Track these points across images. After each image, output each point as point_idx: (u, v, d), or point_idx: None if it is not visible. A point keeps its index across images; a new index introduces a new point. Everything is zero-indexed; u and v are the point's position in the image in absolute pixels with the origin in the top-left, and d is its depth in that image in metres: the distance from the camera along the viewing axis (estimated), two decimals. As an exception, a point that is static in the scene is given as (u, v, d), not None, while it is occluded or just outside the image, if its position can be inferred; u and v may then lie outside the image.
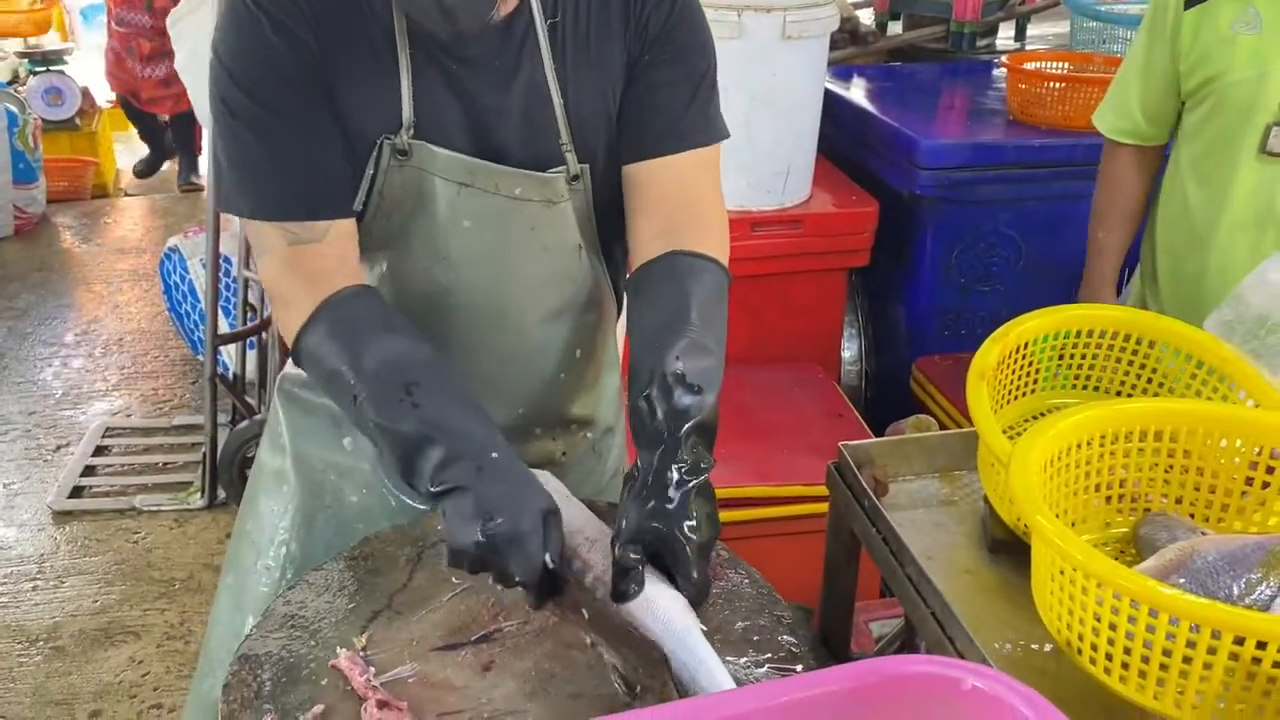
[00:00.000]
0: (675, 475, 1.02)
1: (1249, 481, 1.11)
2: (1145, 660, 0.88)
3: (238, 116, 1.15)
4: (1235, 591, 0.93)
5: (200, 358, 3.48)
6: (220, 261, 3.11)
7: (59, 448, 3.55)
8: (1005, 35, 4.17)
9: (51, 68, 6.00)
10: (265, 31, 1.13)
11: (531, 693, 1.04)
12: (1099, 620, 0.90)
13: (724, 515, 2.24)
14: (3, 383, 3.96)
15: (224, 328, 3.18)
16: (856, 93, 3.30)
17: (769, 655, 1.09)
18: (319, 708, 1.01)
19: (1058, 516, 1.06)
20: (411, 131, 1.18)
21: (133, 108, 5.71)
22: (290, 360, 1.24)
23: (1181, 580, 0.94)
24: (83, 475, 3.36)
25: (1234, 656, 0.84)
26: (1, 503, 3.26)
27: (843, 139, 3.11)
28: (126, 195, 5.95)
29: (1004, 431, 1.20)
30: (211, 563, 2.95)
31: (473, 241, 1.23)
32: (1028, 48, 4.07)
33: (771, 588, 1.20)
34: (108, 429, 3.63)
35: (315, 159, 1.17)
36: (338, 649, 1.08)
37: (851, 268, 2.88)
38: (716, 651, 0.98)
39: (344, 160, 1.19)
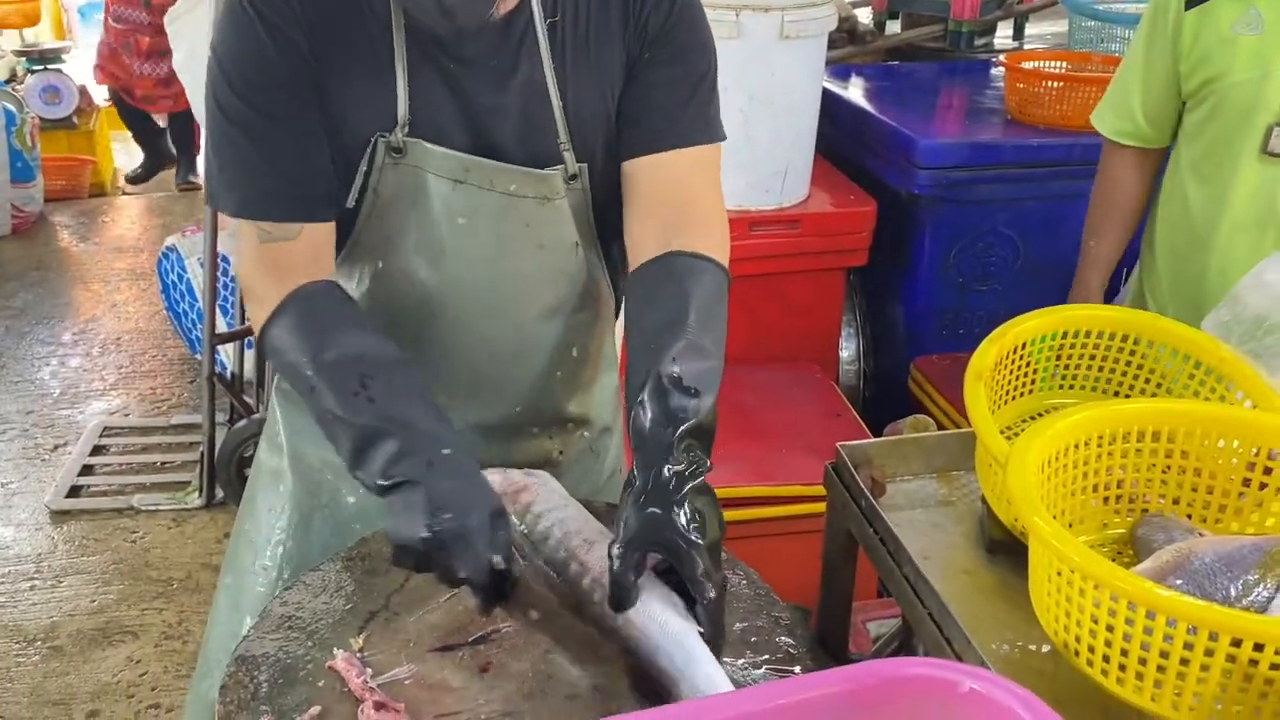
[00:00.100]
0: (673, 479, 1.00)
1: (1246, 482, 1.11)
2: (1143, 662, 0.88)
3: (229, 117, 1.17)
4: (1232, 593, 0.93)
5: (198, 357, 3.48)
6: (218, 261, 3.10)
7: (56, 447, 3.55)
8: (1003, 34, 4.17)
9: (49, 66, 5.99)
10: (259, 33, 1.14)
11: (529, 694, 1.04)
12: (1096, 622, 0.90)
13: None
14: (0, 382, 3.96)
15: (222, 327, 3.17)
16: (855, 92, 3.30)
17: (766, 656, 1.09)
18: (316, 709, 1.01)
19: (1055, 517, 1.06)
20: (406, 129, 1.19)
21: (126, 105, 5.68)
22: None
23: (1179, 582, 0.94)
24: (80, 475, 3.36)
25: (1231, 658, 0.84)
26: (-1, 502, 3.27)
27: (841, 138, 3.11)
28: (124, 194, 5.95)
29: (1001, 432, 1.19)
30: (209, 562, 2.95)
31: (468, 238, 1.23)
32: (1026, 47, 4.07)
33: (769, 589, 1.20)
34: (105, 428, 3.63)
35: (301, 163, 1.18)
36: (335, 650, 1.07)
37: (850, 267, 2.88)
38: (716, 656, 0.98)
39: (330, 165, 1.20)
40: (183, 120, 5.65)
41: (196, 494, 3.22)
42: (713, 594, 0.99)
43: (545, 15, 1.20)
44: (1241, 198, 1.80)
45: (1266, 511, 1.10)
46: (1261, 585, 0.93)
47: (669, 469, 1.01)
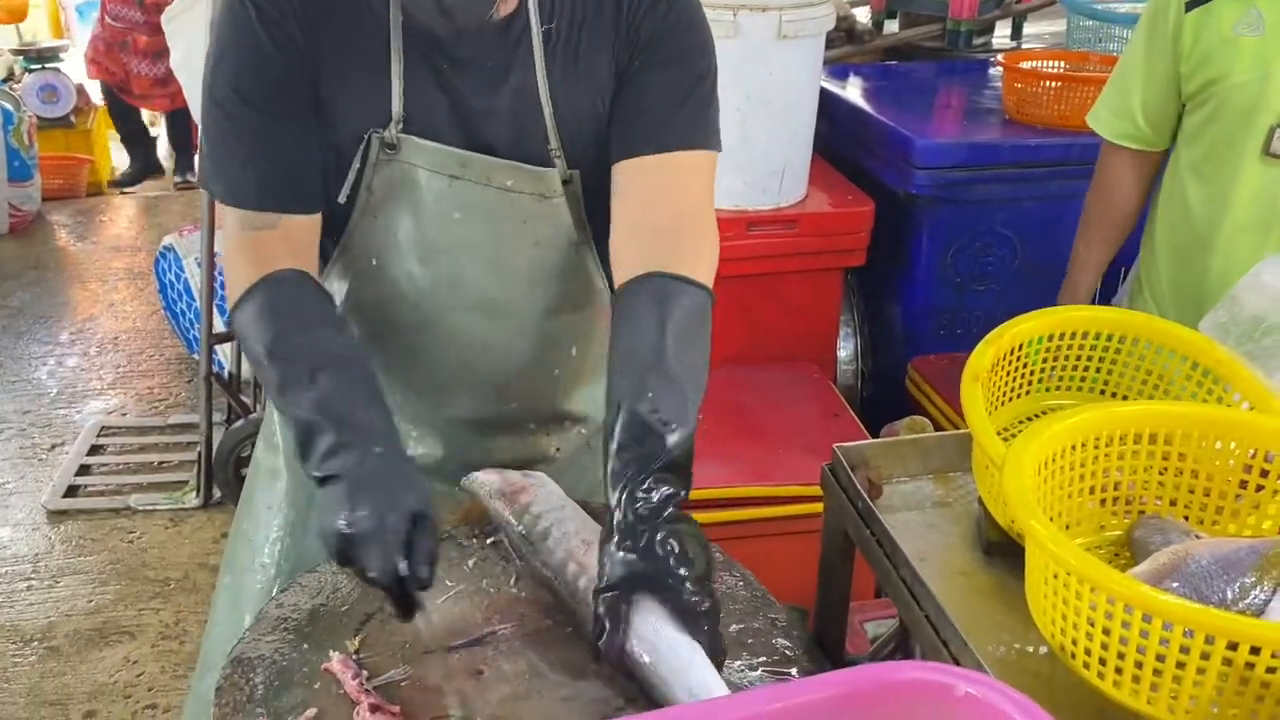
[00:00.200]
0: (649, 516, 0.99)
1: (1243, 484, 1.10)
2: (1139, 665, 0.88)
3: (221, 105, 1.18)
4: (1229, 595, 0.92)
5: (196, 356, 3.48)
6: (215, 260, 3.10)
7: (54, 447, 3.55)
8: (1001, 34, 4.17)
9: (47, 65, 5.99)
10: (256, 28, 1.15)
11: (524, 696, 1.04)
12: (1093, 625, 0.90)
13: (720, 515, 2.26)
14: (-3, 381, 3.97)
15: (219, 327, 3.17)
16: (852, 92, 3.29)
17: (763, 659, 1.09)
18: (311, 711, 1.01)
19: (1052, 519, 1.06)
20: (400, 126, 1.19)
21: (119, 102, 5.65)
22: None
23: (1175, 584, 0.94)
24: (77, 474, 3.36)
25: (1227, 662, 0.84)
26: (-4, 502, 3.26)
27: (839, 138, 3.10)
28: (122, 193, 5.94)
29: (998, 433, 1.19)
30: (207, 562, 2.95)
31: (464, 234, 1.23)
32: (1024, 46, 4.07)
33: (766, 590, 1.20)
34: (103, 428, 3.62)
35: (288, 156, 1.19)
36: (330, 652, 1.07)
37: (847, 267, 2.87)
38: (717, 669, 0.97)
39: (319, 161, 1.21)
40: (180, 119, 5.64)
41: (194, 494, 3.22)
42: (705, 627, 0.98)
43: (541, 21, 1.19)
44: (1243, 199, 1.80)
45: (1263, 514, 1.10)
46: (1258, 588, 0.93)
47: (644, 507, 0.99)
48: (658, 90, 1.22)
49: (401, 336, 1.30)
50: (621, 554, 0.98)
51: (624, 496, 1.00)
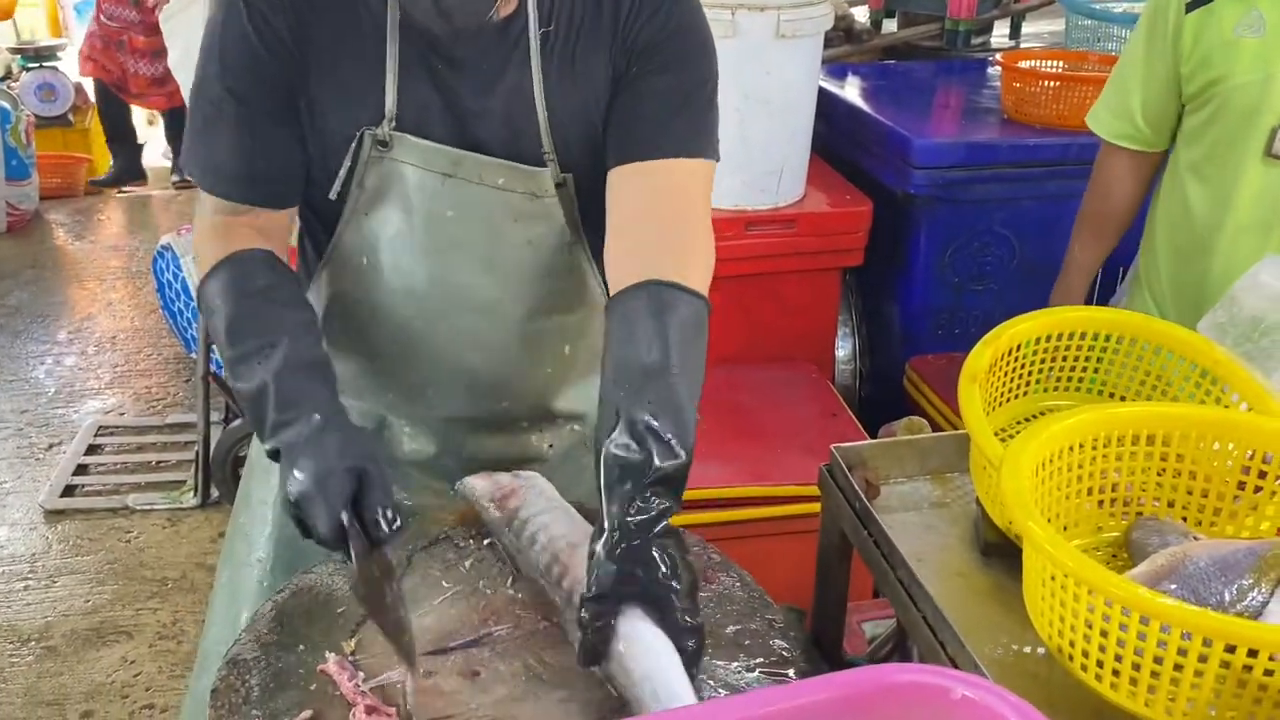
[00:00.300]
0: (644, 527, 0.98)
1: (1241, 485, 1.10)
2: (1137, 667, 0.88)
3: (206, 93, 1.20)
4: (1227, 597, 0.92)
5: (193, 356, 3.47)
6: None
7: (51, 446, 3.54)
8: (1000, 33, 4.17)
9: (44, 64, 5.98)
10: (244, 21, 1.17)
11: (521, 697, 1.03)
12: (1090, 627, 0.90)
13: (717, 515, 2.26)
14: (-5, 381, 3.96)
15: (217, 326, 3.16)
16: (851, 91, 3.29)
17: (760, 660, 1.09)
18: (307, 713, 1.00)
19: (1049, 520, 1.06)
20: (393, 124, 1.19)
21: (112, 100, 5.63)
22: None
23: (1173, 586, 0.94)
24: (75, 474, 3.35)
25: (1225, 664, 0.84)
26: (-7, 502, 3.26)
27: (837, 138, 3.10)
28: (120, 192, 5.93)
29: (996, 434, 1.19)
30: (204, 562, 2.95)
31: (456, 232, 1.23)
32: (1022, 45, 4.07)
33: (763, 591, 1.20)
34: (100, 427, 3.62)
35: (266, 150, 1.21)
36: (326, 654, 1.07)
37: (845, 267, 2.87)
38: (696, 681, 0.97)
39: (298, 158, 1.22)
40: (178, 117, 5.63)
41: (191, 493, 3.21)
42: (692, 643, 0.97)
43: (540, 24, 1.19)
44: (1245, 200, 1.80)
45: (1261, 515, 1.10)
46: (1256, 589, 0.93)
47: (638, 518, 0.98)
48: (655, 97, 1.21)
49: (394, 334, 1.30)
50: (612, 563, 0.97)
51: (616, 506, 0.99)
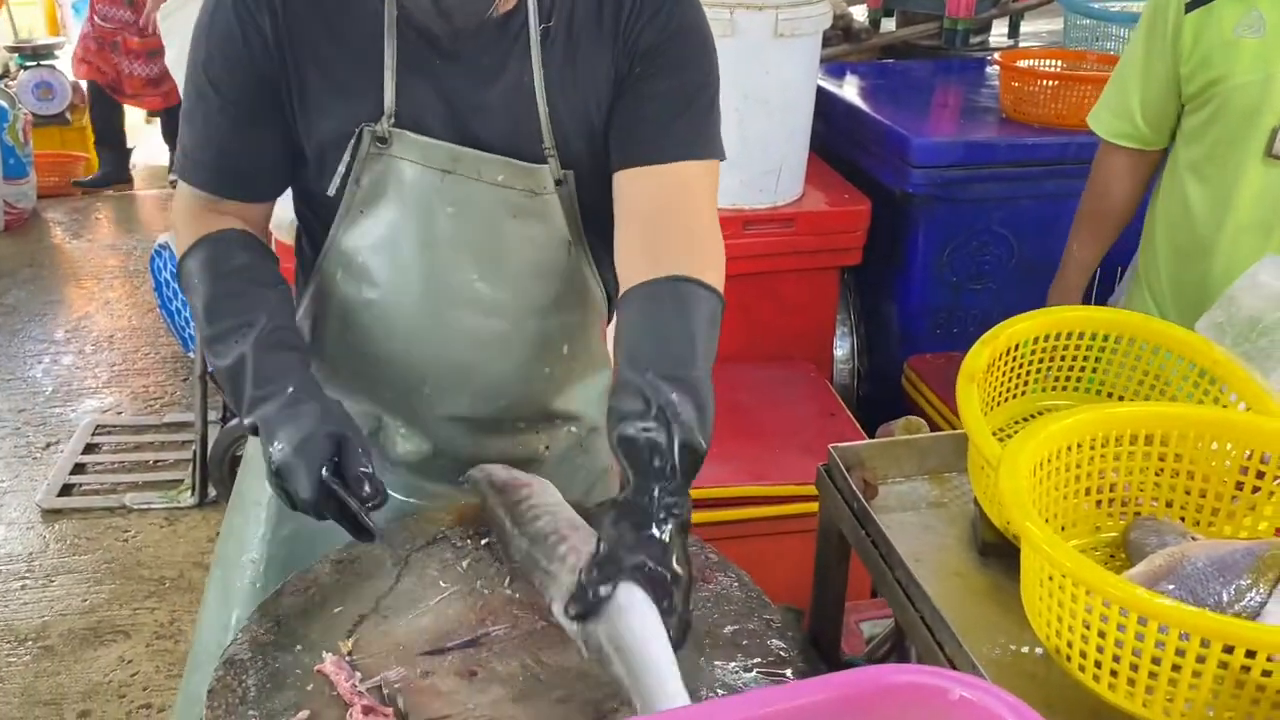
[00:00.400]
0: (669, 505, 0.98)
1: (1239, 485, 1.10)
2: (1134, 668, 0.88)
3: (192, 85, 1.22)
4: (1225, 598, 0.92)
5: (191, 355, 3.47)
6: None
7: (49, 445, 3.54)
8: (999, 32, 4.17)
9: (42, 62, 5.97)
10: (229, 16, 1.18)
11: (518, 697, 1.03)
12: (1088, 627, 0.90)
13: (715, 515, 2.26)
14: (-8, 380, 3.96)
15: (214, 325, 3.16)
16: (849, 90, 3.29)
17: (758, 660, 1.09)
18: (304, 713, 1.00)
19: (1047, 520, 1.06)
20: (392, 120, 1.19)
21: (105, 102, 5.60)
22: None
23: (1171, 587, 0.94)
24: (72, 473, 3.35)
25: (1223, 665, 0.84)
26: (-10, 501, 3.25)
27: (835, 137, 3.10)
28: (115, 192, 5.92)
29: (994, 433, 1.19)
30: (202, 561, 2.94)
31: (455, 229, 1.23)
32: (1021, 45, 4.07)
33: (761, 591, 1.20)
34: (98, 426, 3.61)
35: (245, 147, 1.23)
36: (324, 653, 1.07)
37: (844, 266, 2.87)
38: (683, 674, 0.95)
39: (278, 157, 1.24)
40: (174, 116, 5.62)
41: (189, 493, 3.21)
42: (681, 636, 0.97)
43: (540, 20, 1.19)
44: (1245, 200, 1.79)
45: (1259, 515, 1.10)
46: (1254, 590, 0.93)
47: (663, 498, 0.98)
48: (657, 100, 1.21)
49: (392, 331, 1.29)
50: (625, 532, 0.97)
51: (636, 484, 0.99)
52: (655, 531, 0.97)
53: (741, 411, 2.49)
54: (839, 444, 1.32)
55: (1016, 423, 1.32)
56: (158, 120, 6.01)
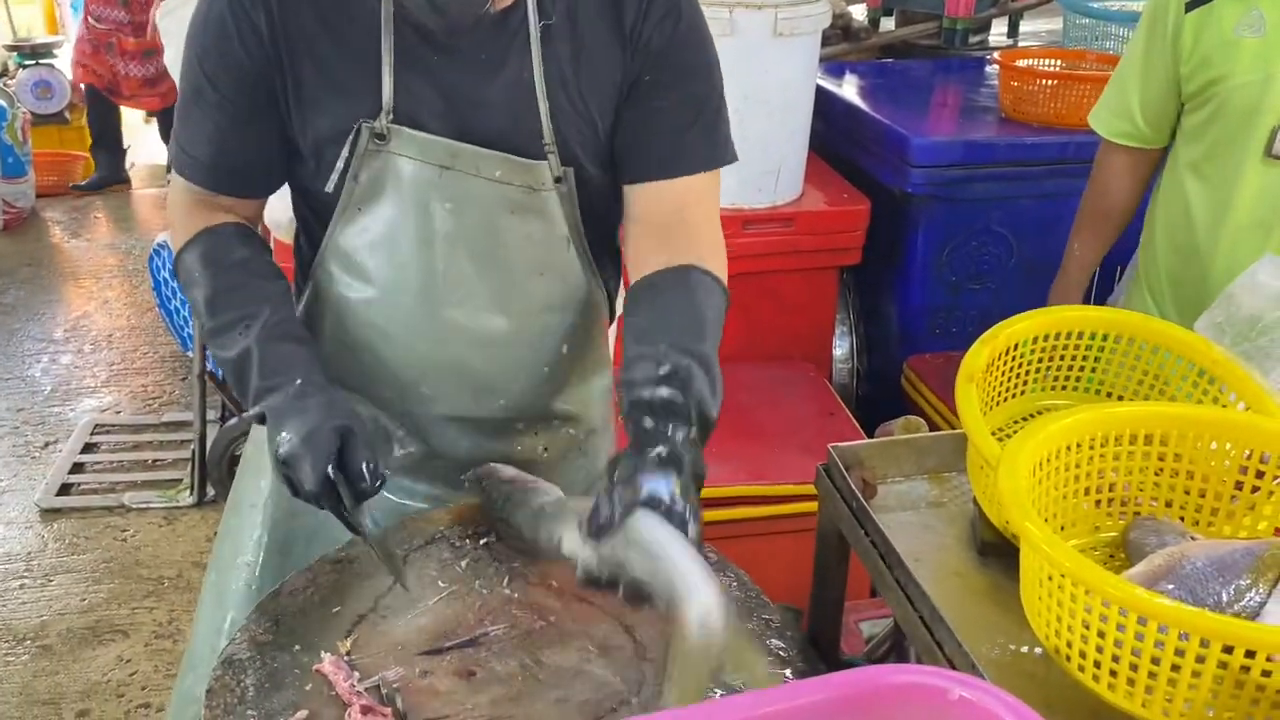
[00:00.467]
0: (680, 456, 1.00)
1: (1239, 485, 1.10)
2: (1134, 668, 0.88)
3: (189, 81, 1.23)
4: (1224, 598, 0.92)
5: (189, 354, 3.47)
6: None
7: (47, 445, 3.53)
8: (998, 32, 4.17)
9: (41, 61, 5.96)
10: (223, 10, 1.18)
11: (516, 697, 1.03)
12: (1087, 627, 0.90)
13: (714, 514, 2.25)
14: (-9, 379, 3.95)
15: (213, 324, 3.16)
16: (848, 89, 3.29)
17: (756, 660, 1.08)
18: (303, 713, 1.00)
19: (1047, 520, 1.06)
20: (390, 116, 1.19)
21: (101, 104, 5.59)
22: None
23: (1170, 586, 0.94)
24: (71, 472, 3.34)
25: (1222, 665, 0.84)
26: (-11, 500, 3.25)
27: (834, 136, 3.10)
28: (115, 190, 5.91)
29: (993, 433, 1.19)
30: (201, 560, 2.94)
31: (454, 226, 1.23)
32: (1020, 44, 4.06)
33: (760, 591, 1.20)
34: (96, 426, 3.61)
35: (238, 144, 1.24)
36: (322, 653, 1.07)
37: (843, 266, 2.87)
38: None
39: (271, 155, 1.25)
40: (171, 116, 5.60)
41: (188, 492, 3.21)
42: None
43: (540, 17, 1.19)
44: (1245, 200, 1.79)
45: (1259, 515, 1.10)
46: (1253, 590, 0.93)
47: (683, 447, 1.00)
48: (669, 112, 1.24)
49: (390, 331, 1.29)
50: (643, 466, 0.99)
51: (673, 422, 1.01)
52: (670, 470, 0.99)
53: (741, 411, 2.49)
54: (838, 444, 1.32)
55: (1016, 422, 1.32)
56: (156, 119, 6.00)
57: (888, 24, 4.09)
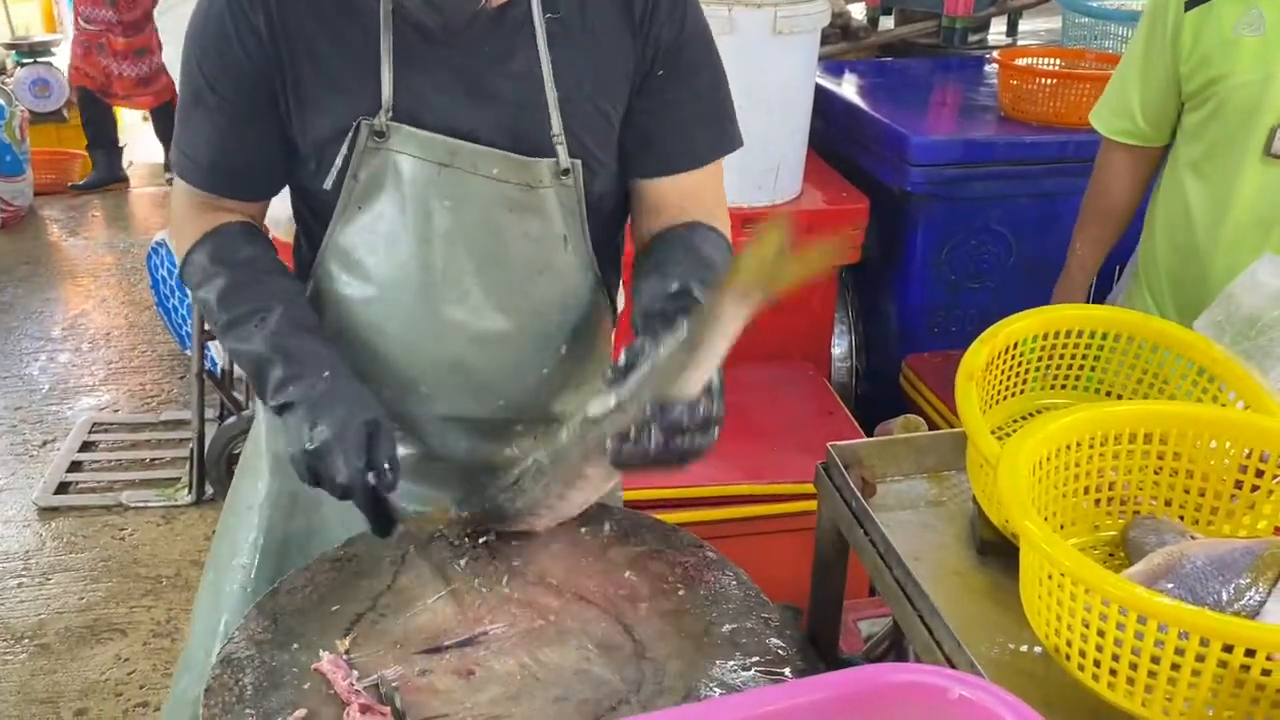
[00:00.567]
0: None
1: (1238, 484, 1.10)
2: (1134, 667, 0.88)
3: (189, 84, 1.23)
4: (1224, 597, 0.92)
5: (188, 353, 3.46)
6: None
7: (45, 443, 3.53)
8: (997, 30, 4.17)
9: (39, 59, 5.96)
10: (222, 11, 1.18)
11: (515, 696, 1.03)
12: (1087, 626, 0.90)
13: (713, 513, 2.25)
14: (-11, 377, 3.95)
15: (212, 323, 3.16)
16: (848, 88, 3.29)
17: (756, 658, 1.08)
18: (301, 712, 1.00)
19: (1046, 519, 1.06)
20: (390, 114, 1.19)
21: (94, 105, 5.58)
22: None
23: (1170, 585, 0.93)
24: (69, 471, 3.34)
25: (1222, 664, 0.84)
26: (-13, 499, 3.25)
27: (834, 135, 3.10)
28: (113, 189, 5.90)
29: (993, 432, 1.19)
30: (199, 559, 2.94)
31: (453, 224, 1.23)
32: (1019, 43, 4.06)
33: (759, 590, 1.19)
34: (95, 424, 3.61)
35: (240, 146, 1.24)
36: (320, 652, 1.07)
37: (842, 265, 2.87)
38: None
39: (273, 156, 1.25)
40: (167, 114, 5.60)
41: (186, 491, 3.21)
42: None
43: (545, 9, 1.20)
44: (1245, 199, 1.79)
45: (1258, 514, 1.09)
46: (1253, 589, 0.93)
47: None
48: (678, 107, 1.27)
49: (389, 330, 1.29)
50: (689, 313, 1.04)
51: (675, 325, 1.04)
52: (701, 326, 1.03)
53: (740, 410, 2.47)
54: (837, 442, 1.32)
55: (1015, 421, 1.32)
56: (152, 118, 5.99)
57: (887, 23, 4.09)
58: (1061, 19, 3.63)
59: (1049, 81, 2.84)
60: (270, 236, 1.34)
